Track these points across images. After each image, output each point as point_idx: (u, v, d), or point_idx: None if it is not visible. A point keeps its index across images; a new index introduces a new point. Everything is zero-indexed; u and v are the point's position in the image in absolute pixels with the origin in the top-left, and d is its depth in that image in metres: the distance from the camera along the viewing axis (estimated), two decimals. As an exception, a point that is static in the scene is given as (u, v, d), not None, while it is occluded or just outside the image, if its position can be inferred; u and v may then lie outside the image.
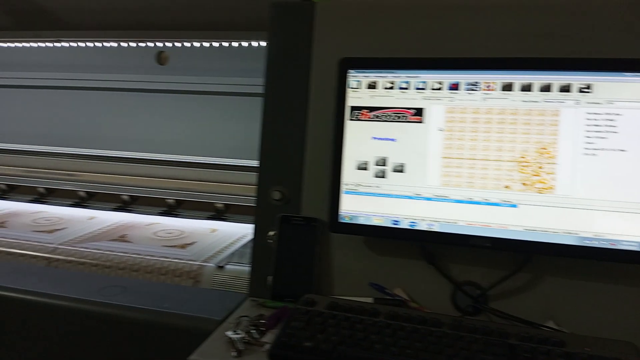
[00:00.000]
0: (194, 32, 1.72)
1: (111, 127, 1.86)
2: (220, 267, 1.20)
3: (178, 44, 1.66)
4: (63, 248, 1.31)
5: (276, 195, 1.05)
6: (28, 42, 1.60)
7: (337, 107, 0.96)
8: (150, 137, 1.82)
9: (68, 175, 1.74)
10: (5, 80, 2.01)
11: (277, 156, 1.06)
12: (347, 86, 0.96)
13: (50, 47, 1.69)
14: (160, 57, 1.89)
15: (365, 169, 0.95)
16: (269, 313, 0.95)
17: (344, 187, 0.96)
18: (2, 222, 1.53)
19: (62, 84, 1.93)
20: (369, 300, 0.96)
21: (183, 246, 1.35)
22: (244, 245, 1.37)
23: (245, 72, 1.79)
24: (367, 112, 0.94)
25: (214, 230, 1.51)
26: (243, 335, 0.86)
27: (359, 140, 0.95)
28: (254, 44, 1.57)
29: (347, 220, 0.96)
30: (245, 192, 1.63)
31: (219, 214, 1.63)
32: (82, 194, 1.74)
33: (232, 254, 1.30)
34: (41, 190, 1.78)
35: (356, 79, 0.95)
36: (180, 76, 1.86)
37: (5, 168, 1.84)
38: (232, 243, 1.39)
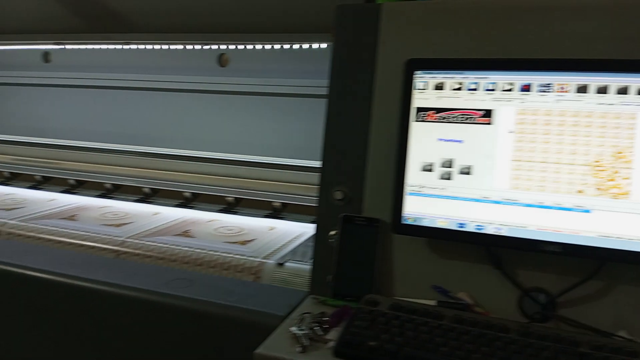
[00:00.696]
0: (254, 34, 1.76)
1: (174, 127, 1.93)
2: (280, 265, 1.23)
3: (241, 47, 1.70)
4: (131, 241, 1.36)
5: (338, 195, 1.06)
6: (99, 44, 1.68)
7: (403, 108, 0.96)
8: (211, 136, 1.87)
9: (133, 171, 1.81)
10: (76, 81, 2.13)
11: (339, 156, 1.07)
12: (413, 87, 0.96)
13: (119, 49, 1.78)
14: (221, 59, 1.94)
15: (430, 170, 0.94)
16: (330, 311, 0.96)
17: (408, 189, 0.96)
18: (73, 216, 1.61)
19: (129, 85, 2.01)
20: (432, 303, 0.95)
21: (243, 243, 1.38)
22: (302, 244, 1.39)
23: (304, 74, 1.81)
24: (434, 114, 0.94)
25: (272, 228, 1.53)
26: (307, 332, 0.88)
27: (424, 142, 0.95)
28: (314, 46, 1.59)
29: (410, 222, 0.96)
30: (302, 191, 1.65)
31: (276, 213, 1.66)
32: (146, 190, 1.81)
33: (291, 252, 1.32)
34: (108, 186, 1.86)
35: (423, 80, 0.95)
36: (240, 78, 1.90)
37: (75, 164, 1.94)
38: (290, 241, 1.41)
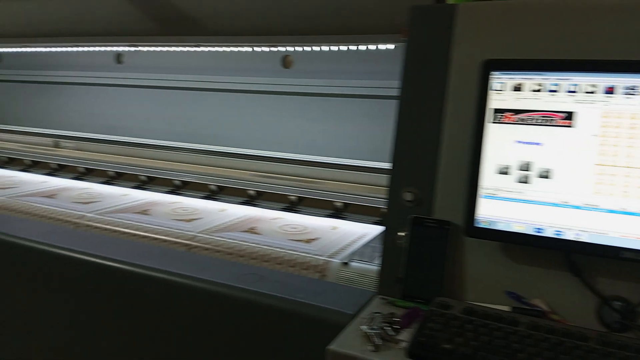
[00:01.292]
0: (318, 36, 1.78)
1: (239, 127, 1.99)
2: (345, 264, 1.24)
3: (307, 48, 1.72)
4: (201, 236, 1.42)
5: (408, 196, 1.06)
6: (171, 46, 1.76)
7: (478, 110, 0.95)
8: (273, 136, 1.91)
9: (201, 169, 1.88)
10: (146, 81, 2.23)
11: (410, 157, 1.07)
12: (489, 88, 0.94)
13: (190, 51, 1.85)
14: (285, 60, 1.98)
15: (506, 173, 0.93)
16: (399, 312, 0.96)
17: (482, 191, 0.95)
18: (145, 210, 1.68)
19: (196, 86, 2.09)
20: (505, 308, 0.94)
21: (308, 241, 1.41)
22: (366, 244, 1.40)
23: (368, 75, 1.83)
24: (511, 115, 0.92)
25: (334, 228, 1.55)
26: (379, 331, 0.88)
27: (501, 144, 0.93)
28: (381, 47, 1.60)
29: (484, 225, 0.95)
30: (364, 191, 1.66)
31: (338, 212, 1.68)
32: (213, 187, 1.87)
33: (356, 252, 1.33)
34: (177, 182, 1.94)
35: (500, 81, 0.94)
36: (303, 79, 1.94)
37: (146, 161, 2.03)
38: (353, 241, 1.42)
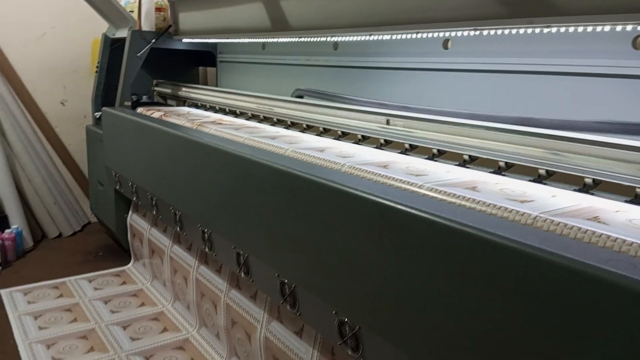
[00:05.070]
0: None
1: (575, 111, 1.91)
2: None
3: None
4: (545, 217, 1.41)
5: None
6: (519, 28, 1.76)
7: None
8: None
9: (529, 151, 1.86)
10: (475, 66, 2.31)
11: None
12: None
13: (537, 33, 1.82)
14: (636, 41, 1.80)
15: None
16: None
17: None
18: (474, 187, 1.75)
19: (535, 69, 2.07)
20: None
21: (674, 241, 1.26)
22: None
23: None
24: None
25: (701, 230, 1.36)
26: None
27: None
28: None
29: None
30: None
31: (702, 213, 1.46)
32: (541, 171, 1.82)
33: None
34: (501, 164, 1.96)
35: None
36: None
37: (471, 140, 2.08)
38: None
